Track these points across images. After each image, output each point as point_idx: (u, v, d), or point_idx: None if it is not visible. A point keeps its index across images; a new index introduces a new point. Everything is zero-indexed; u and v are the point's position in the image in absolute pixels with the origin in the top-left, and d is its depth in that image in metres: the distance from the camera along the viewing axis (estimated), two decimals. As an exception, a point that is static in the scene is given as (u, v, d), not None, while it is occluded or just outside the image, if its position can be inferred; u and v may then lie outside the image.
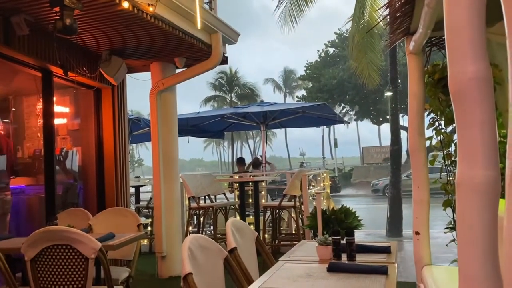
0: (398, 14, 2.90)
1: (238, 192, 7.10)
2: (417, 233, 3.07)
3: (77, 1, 3.38)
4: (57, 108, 5.50)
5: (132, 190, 7.80)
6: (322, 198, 5.69)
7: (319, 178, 7.18)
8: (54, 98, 4.91)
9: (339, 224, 4.80)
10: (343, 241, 2.30)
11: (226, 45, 5.67)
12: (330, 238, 2.34)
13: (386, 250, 2.43)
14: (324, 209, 5.18)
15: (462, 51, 1.32)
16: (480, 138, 1.27)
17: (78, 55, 4.96)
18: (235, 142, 54.94)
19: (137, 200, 8.22)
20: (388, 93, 9.93)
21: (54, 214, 4.29)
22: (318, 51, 36.41)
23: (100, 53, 5.13)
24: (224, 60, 5.53)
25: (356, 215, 5.04)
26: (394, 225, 8.97)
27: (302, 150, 55.71)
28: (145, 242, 7.39)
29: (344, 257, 2.26)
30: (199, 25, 4.41)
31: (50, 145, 4.79)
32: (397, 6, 2.81)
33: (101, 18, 4.07)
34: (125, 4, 3.66)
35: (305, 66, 36.60)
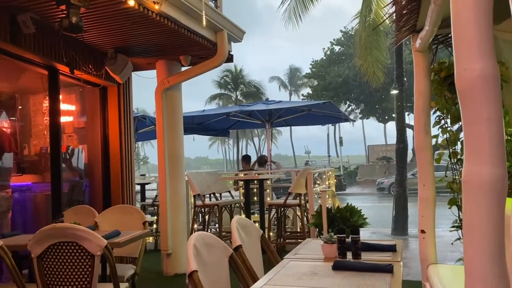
0: (405, 12, 2.88)
1: (243, 190, 7.11)
2: (422, 231, 3.06)
3: (82, -1, 3.39)
4: (63, 106, 5.52)
5: (138, 188, 7.83)
6: (327, 196, 5.68)
7: (324, 176, 7.17)
8: (60, 96, 4.93)
9: (344, 222, 4.81)
10: (348, 239, 2.29)
11: (232, 43, 5.66)
12: (335, 236, 2.33)
13: (391, 249, 2.42)
14: (329, 208, 5.19)
15: (469, 49, 1.31)
16: (487, 135, 1.26)
17: (84, 53, 4.98)
18: (240, 140, 54.96)
19: (143, 198, 8.25)
20: (394, 91, 9.88)
21: (60, 211, 4.31)
22: (324, 49, 36.35)
23: (105, 51, 5.14)
24: (230, 58, 5.53)
25: (361, 213, 5.04)
26: (400, 224, 8.94)
27: (307, 149, 55.63)
28: (151, 239, 7.42)
29: (349, 255, 2.25)
30: (204, 23, 4.41)
31: (56, 143, 4.82)
32: (403, 3, 2.79)
33: (107, 16, 4.08)
34: (131, 2, 3.67)
35: (310, 64, 36.54)
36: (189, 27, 4.62)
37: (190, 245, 1.98)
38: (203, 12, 4.33)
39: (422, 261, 3.05)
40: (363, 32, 10.37)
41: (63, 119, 5.36)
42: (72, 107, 5.97)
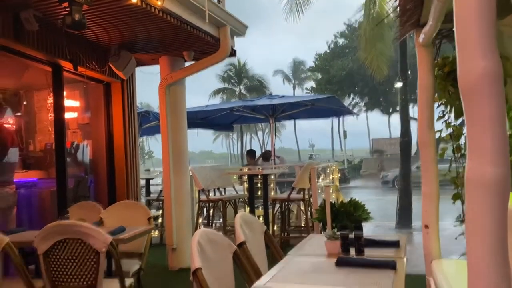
0: (408, 7, 2.86)
1: (247, 185, 7.13)
2: (426, 226, 3.06)
3: (85, -4, 3.39)
4: (68, 102, 5.55)
5: (143, 182, 7.87)
6: (331, 191, 5.69)
7: (328, 171, 7.17)
8: (65, 93, 4.96)
9: (348, 217, 4.80)
10: (352, 235, 2.30)
11: (235, 37, 5.65)
12: (338, 233, 2.34)
13: (395, 245, 2.43)
14: (333, 202, 5.19)
15: (472, 47, 1.31)
16: (490, 134, 1.26)
17: (88, 50, 4.99)
18: (244, 134, 54.97)
19: (148, 193, 8.29)
20: (398, 84, 9.84)
21: (65, 207, 4.34)
22: (327, 42, 36.21)
23: (109, 47, 5.15)
24: (233, 53, 5.52)
25: (365, 207, 5.04)
26: (404, 217, 8.93)
27: (311, 142, 55.64)
28: (156, 234, 7.46)
29: (352, 252, 2.26)
30: (207, 18, 4.40)
31: (61, 139, 4.84)
32: (406, -2, 2.78)
33: (109, 12, 4.09)
34: (133, -1, 3.67)
35: (314, 58, 36.44)
36: (192, 23, 4.61)
37: (194, 242, 2.00)
38: (206, 7, 4.32)
39: (426, 256, 3.05)
40: (367, 25, 10.32)
41: (68, 115, 5.39)
42: (76, 103, 5.99)
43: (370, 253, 2.26)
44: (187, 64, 5.82)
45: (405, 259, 2.18)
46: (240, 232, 2.50)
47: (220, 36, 5.18)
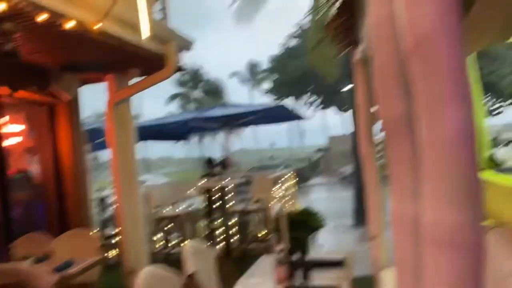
0: (342, 27, 2.95)
1: (206, 196, 7.07)
2: (373, 237, 3.15)
3: (14, 24, 3.26)
4: (11, 128, 5.32)
5: (99, 200, 7.66)
6: (286, 199, 5.76)
7: (283, 179, 7.26)
8: (7, 118, 4.77)
9: (302, 226, 4.89)
10: (298, 257, 2.34)
11: (183, 52, 5.60)
12: (288, 257, 2.38)
13: (340, 264, 2.49)
14: (288, 212, 5.26)
15: (390, 88, 1.36)
16: (409, 176, 1.32)
17: (28, 74, 4.79)
18: (203, 137, 54.47)
19: (103, 211, 8.06)
20: (347, 87, 10.09)
21: (11, 241, 4.16)
22: (281, 43, 36.50)
23: (50, 69, 4.99)
24: (179, 69, 5.47)
25: (318, 215, 5.14)
26: (360, 214, 9.11)
27: (271, 141, 56.03)
28: (114, 253, 7.26)
29: (300, 275, 2.30)
30: (144, 36, 4.31)
31: (1, 168, 4.64)
32: (340, 20, 2.85)
33: (47, 37, 3.96)
34: (68, 25, 3.55)
35: (268, 59, 36.63)
36: (135, 43, 4.52)
37: (138, 286, 1.97)
38: (144, 27, 4.25)
39: (374, 266, 3.15)
40: (314, 30, 10.47)
41: (11, 141, 5.18)
42: (19, 128, 5.74)
43: (317, 275, 2.31)
44: (134, 81, 5.71)
45: (349, 282, 2.24)
46: (189, 264, 2.49)
47: (165, 53, 5.12)
